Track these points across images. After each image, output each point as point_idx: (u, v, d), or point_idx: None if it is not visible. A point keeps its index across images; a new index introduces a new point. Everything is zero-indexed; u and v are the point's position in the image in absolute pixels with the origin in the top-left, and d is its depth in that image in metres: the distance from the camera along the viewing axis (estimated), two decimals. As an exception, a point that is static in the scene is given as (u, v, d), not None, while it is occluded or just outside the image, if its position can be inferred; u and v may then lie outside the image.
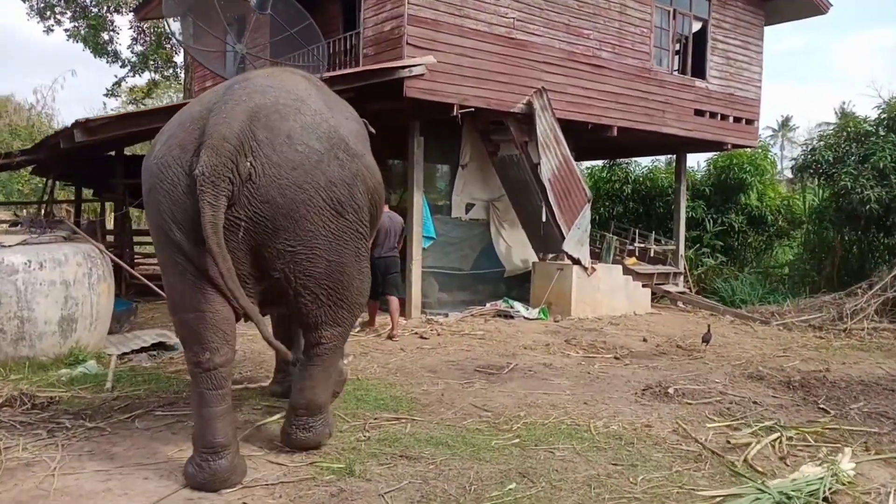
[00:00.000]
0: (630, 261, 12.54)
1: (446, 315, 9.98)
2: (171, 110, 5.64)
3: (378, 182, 4.29)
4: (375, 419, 4.89)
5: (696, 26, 12.33)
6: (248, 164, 3.51)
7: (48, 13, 18.36)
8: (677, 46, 12.25)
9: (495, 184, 10.90)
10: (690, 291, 13.17)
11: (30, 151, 9.60)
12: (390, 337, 8.27)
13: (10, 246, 6.25)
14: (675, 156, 14.40)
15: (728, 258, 15.13)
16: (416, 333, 8.57)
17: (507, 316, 9.99)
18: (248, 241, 3.61)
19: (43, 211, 11.04)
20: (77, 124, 7.04)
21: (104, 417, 4.79)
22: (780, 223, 15.70)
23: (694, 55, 12.36)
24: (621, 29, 11.05)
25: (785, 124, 49.61)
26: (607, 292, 10.49)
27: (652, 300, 11.55)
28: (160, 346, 7.18)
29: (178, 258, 3.63)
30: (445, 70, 9.00)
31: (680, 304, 12.07)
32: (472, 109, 9.39)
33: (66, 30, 18.73)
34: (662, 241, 13.87)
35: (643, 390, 5.93)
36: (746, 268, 14.73)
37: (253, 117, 3.59)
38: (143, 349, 7.04)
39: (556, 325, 9.56)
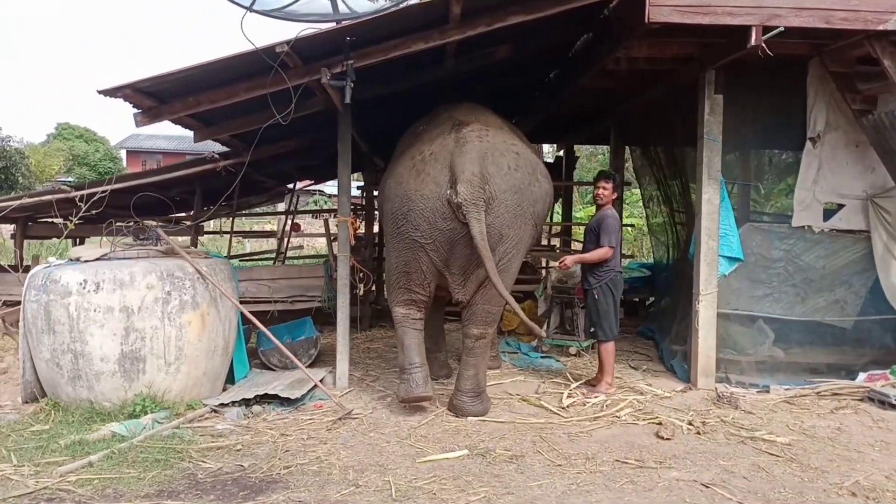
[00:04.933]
0: None
1: (765, 389, 6.00)
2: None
3: (552, 195, 5.88)
4: None
5: None
6: (488, 190, 4.81)
7: None
8: None
9: (876, 168, 6.31)
10: None
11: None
12: (592, 385, 5.95)
13: (86, 261, 5.15)
14: None
15: None
16: (653, 420, 5.06)
17: (884, 402, 5.52)
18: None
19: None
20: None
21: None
22: None
23: None
24: None
25: None
26: None
27: None
28: (275, 399, 5.36)
29: (424, 260, 5.07)
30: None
31: None
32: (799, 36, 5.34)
33: None
34: None
35: None
36: None
37: (484, 157, 4.91)
38: (245, 401, 5.31)
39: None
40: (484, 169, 4.82)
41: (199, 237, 9.14)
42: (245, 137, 7.11)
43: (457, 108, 5.69)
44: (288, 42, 4.38)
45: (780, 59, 5.82)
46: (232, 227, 9.52)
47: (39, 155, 32.68)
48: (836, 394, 5.92)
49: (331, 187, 21.53)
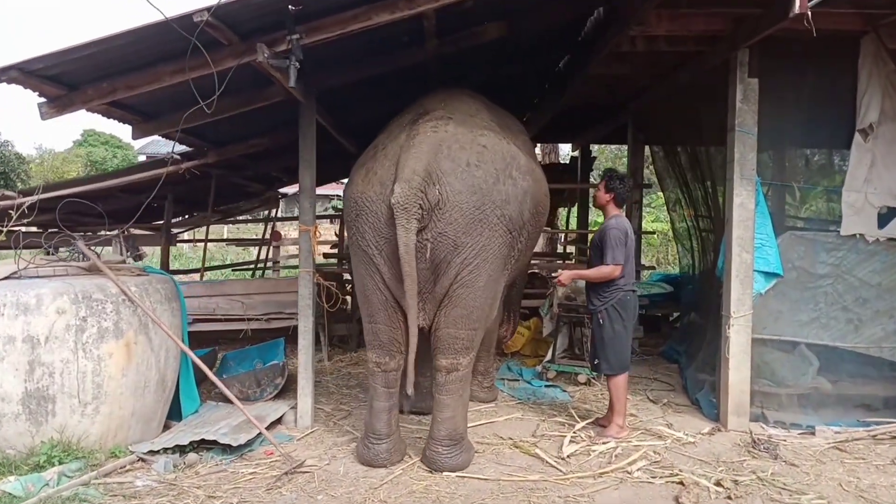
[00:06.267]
0: None
1: (809, 431, 4.99)
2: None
3: (545, 193, 4.91)
4: None
5: None
6: (437, 191, 3.93)
7: None
8: None
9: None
10: None
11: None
12: (601, 425, 4.97)
13: (-9, 282, 4.31)
14: None
15: None
16: (673, 478, 4.06)
17: (960, 452, 4.49)
18: (433, 259, 4.00)
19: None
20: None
21: None
22: None
23: None
24: None
25: None
26: None
27: None
28: (216, 445, 4.48)
29: (377, 278, 4.14)
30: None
31: None
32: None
33: None
34: None
35: None
36: None
37: (437, 150, 4.07)
38: (179, 448, 4.44)
39: None
40: (433, 166, 3.99)
41: (172, 246, 8.35)
42: (204, 134, 6.29)
43: (434, 95, 4.80)
44: (209, 9, 3.50)
45: (826, 37, 4.86)
46: (207, 235, 8.69)
47: (58, 161, 32.41)
48: (895, 437, 4.91)
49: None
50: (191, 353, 4.65)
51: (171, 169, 6.53)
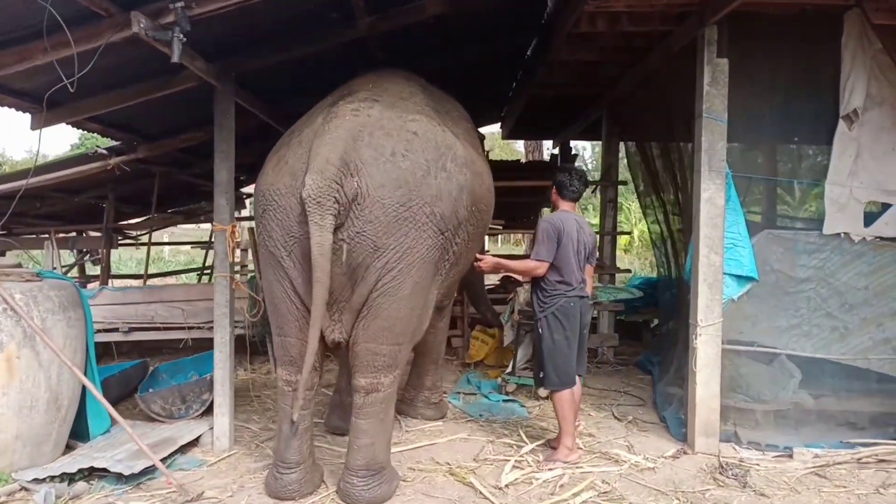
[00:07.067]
0: None
1: (786, 453, 4.45)
2: None
3: (488, 188, 4.39)
4: None
5: None
6: (355, 184, 3.37)
7: None
8: None
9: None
10: None
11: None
12: (552, 447, 4.44)
13: None
14: None
15: None
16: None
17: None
18: (350, 262, 3.44)
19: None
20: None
21: None
22: None
23: None
24: None
25: None
26: None
27: None
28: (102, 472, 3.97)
29: (286, 284, 3.57)
30: None
31: None
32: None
33: None
34: None
35: None
36: None
37: (357, 136, 3.51)
38: (68, 476, 3.92)
39: None
40: (351, 154, 3.43)
41: (114, 248, 7.85)
42: (132, 127, 5.80)
43: (365, 76, 4.28)
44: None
45: (805, 13, 4.38)
46: (150, 238, 8.17)
47: (48, 164, 32.06)
48: (882, 460, 4.38)
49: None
50: (76, 370, 4.11)
51: (97, 165, 6.07)
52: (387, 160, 3.50)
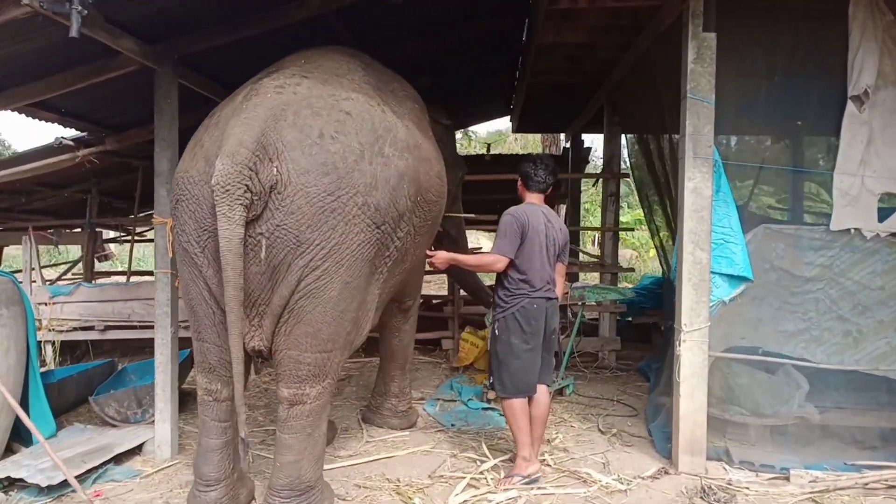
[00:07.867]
0: None
1: (783, 475, 3.96)
2: None
3: (437, 175, 3.96)
4: None
5: None
6: (274, 170, 2.97)
7: None
8: None
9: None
10: None
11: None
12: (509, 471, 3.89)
13: None
14: None
15: None
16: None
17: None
18: (269, 260, 3.05)
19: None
20: None
21: None
22: None
23: None
24: None
25: None
26: None
27: None
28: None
29: (200, 284, 3.22)
30: None
31: None
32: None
33: None
34: None
35: None
36: None
37: (279, 116, 3.11)
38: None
39: None
40: (270, 136, 3.03)
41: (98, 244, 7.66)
42: (91, 116, 5.57)
43: (302, 52, 3.90)
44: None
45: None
46: (133, 234, 7.96)
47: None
48: (893, 486, 3.86)
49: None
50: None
51: (65, 158, 5.85)
52: (313, 143, 3.10)
